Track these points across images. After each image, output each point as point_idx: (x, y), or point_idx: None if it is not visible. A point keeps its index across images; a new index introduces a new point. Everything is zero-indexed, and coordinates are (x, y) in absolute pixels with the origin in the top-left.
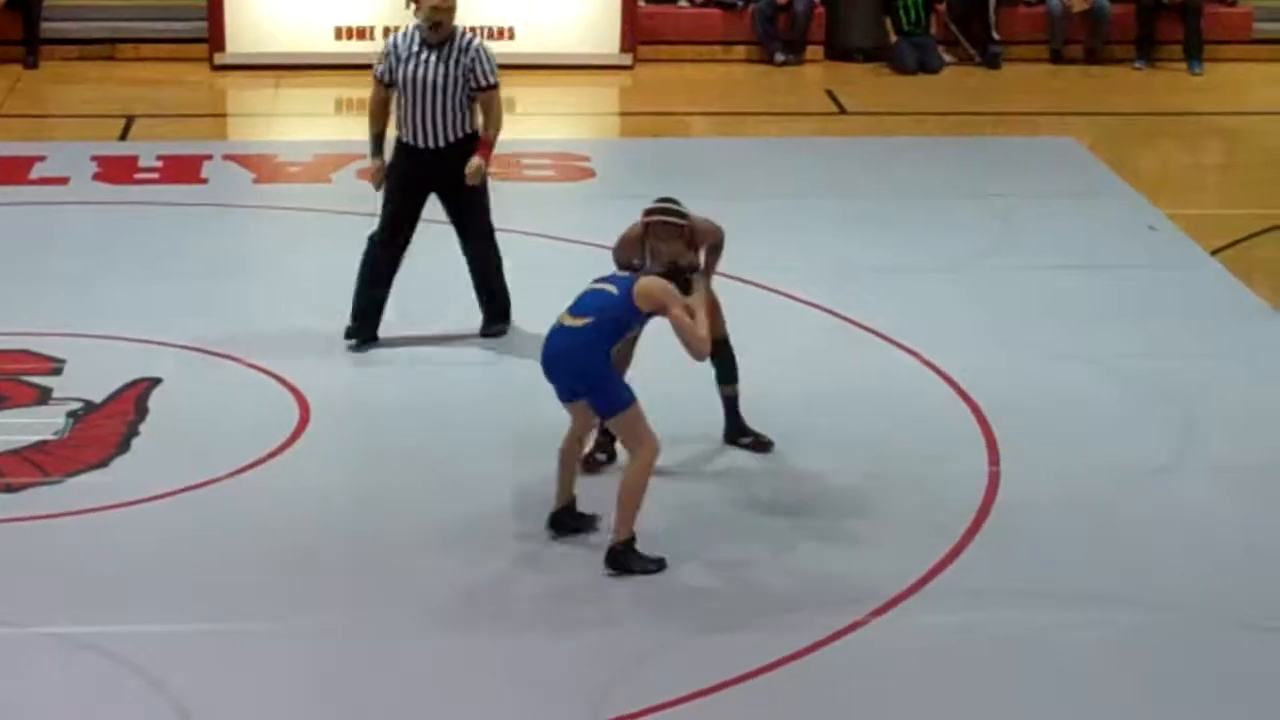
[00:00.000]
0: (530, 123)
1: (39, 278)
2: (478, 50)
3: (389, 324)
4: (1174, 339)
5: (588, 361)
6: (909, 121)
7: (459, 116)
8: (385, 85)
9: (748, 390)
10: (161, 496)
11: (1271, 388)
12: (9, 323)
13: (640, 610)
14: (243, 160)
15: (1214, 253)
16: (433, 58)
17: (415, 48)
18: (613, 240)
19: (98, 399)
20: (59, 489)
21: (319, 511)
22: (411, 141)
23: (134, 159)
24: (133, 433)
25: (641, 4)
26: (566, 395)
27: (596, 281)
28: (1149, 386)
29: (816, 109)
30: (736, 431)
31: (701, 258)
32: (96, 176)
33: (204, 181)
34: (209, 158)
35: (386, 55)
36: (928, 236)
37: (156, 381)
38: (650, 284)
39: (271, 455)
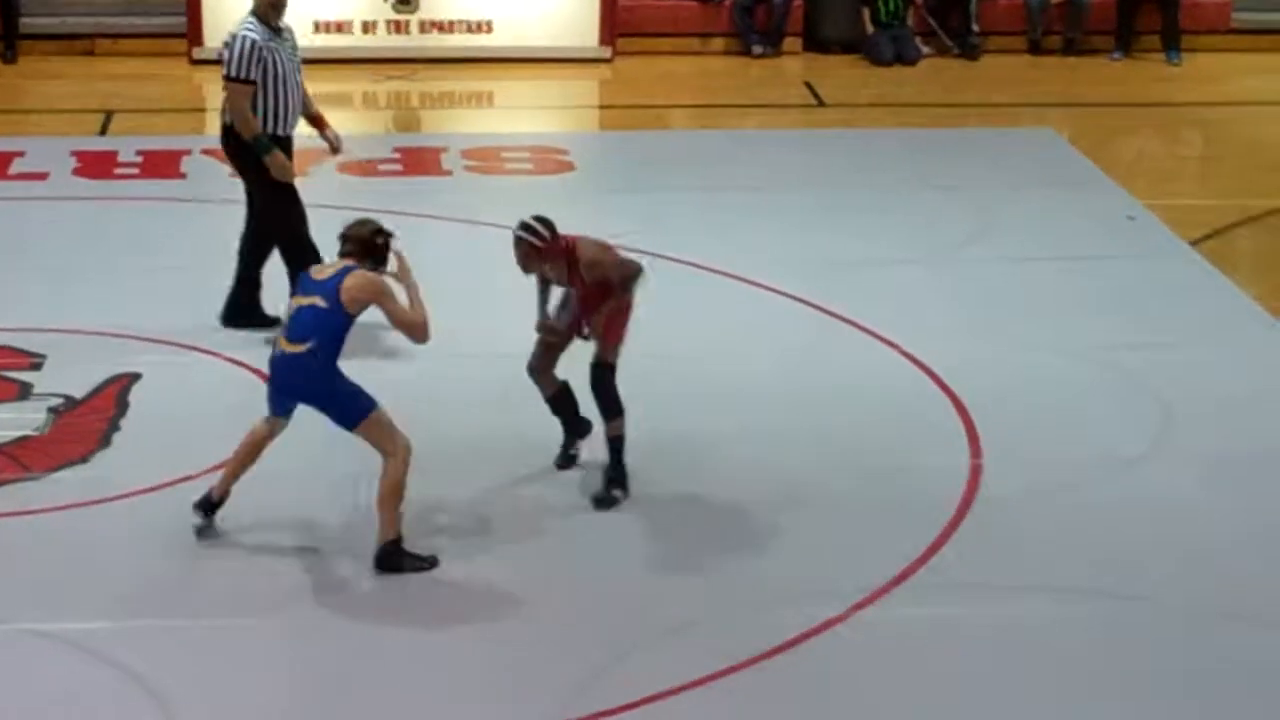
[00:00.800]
0: (509, 116)
1: (18, 273)
2: (291, 28)
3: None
4: (1153, 329)
5: (316, 385)
6: (887, 113)
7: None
8: (252, 84)
9: (730, 382)
10: (142, 491)
11: (1250, 378)
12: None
13: (616, 607)
14: (221, 155)
15: (1193, 243)
16: (286, 44)
17: (270, 38)
18: (592, 232)
19: (78, 394)
20: (40, 484)
21: (298, 506)
22: (284, 131)
23: (113, 154)
24: (113, 428)
25: None
26: (285, 411)
27: (302, 295)
28: (1129, 377)
29: (795, 101)
30: (608, 481)
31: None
32: (76, 171)
33: (183, 176)
34: (188, 152)
35: (254, 51)
36: (906, 229)
37: (136, 377)
38: (354, 286)
39: None
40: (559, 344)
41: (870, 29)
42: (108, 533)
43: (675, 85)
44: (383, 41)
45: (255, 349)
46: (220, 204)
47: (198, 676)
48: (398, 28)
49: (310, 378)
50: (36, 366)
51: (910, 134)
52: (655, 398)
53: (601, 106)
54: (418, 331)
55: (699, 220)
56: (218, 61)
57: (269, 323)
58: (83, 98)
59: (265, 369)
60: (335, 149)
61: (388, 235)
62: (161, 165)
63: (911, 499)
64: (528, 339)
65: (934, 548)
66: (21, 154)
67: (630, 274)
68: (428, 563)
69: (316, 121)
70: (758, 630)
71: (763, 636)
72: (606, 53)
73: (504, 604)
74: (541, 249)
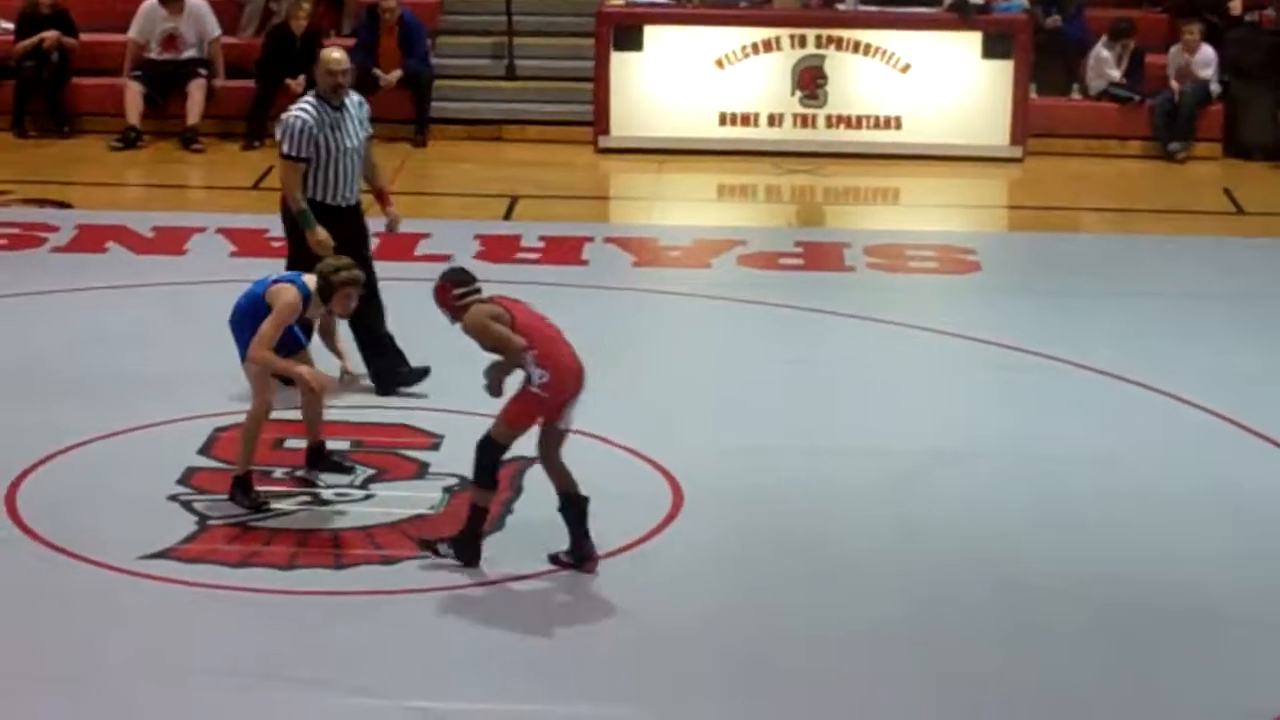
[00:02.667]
0: (915, 214)
1: (421, 353)
2: (363, 102)
3: (759, 413)
4: None
5: (236, 324)
6: None
7: (362, 170)
8: (302, 161)
9: (1133, 491)
10: (533, 575)
11: None
12: (391, 396)
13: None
14: (623, 243)
15: None
16: (346, 119)
17: (328, 115)
18: (996, 335)
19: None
20: (433, 563)
21: (685, 599)
22: (336, 201)
23: (516, 238)
24: (507, 510)
25: (1033, 96)
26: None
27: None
28: None
29: (1213, 208)
30: (450, 539)
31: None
32: (479, 255)
33: (584, 263)
34: (590, 239)
35: (305, 131)
36: None
37: (532, 460)
38: (277, 290)
39: (644, 539)
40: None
41: None
42: (496, 615)
43: (1087, 187)
44: (788, 135)
45: (648, 437)
46: (620, 291)
47: None
48: (804, 122)
49: (236, 315)
50: (435, 446)
51: None
52: (1051, 499)
53: (1010, 207)
54: (253, 353)
55: (1107, 327)
56: (630, 151)
57: (418, 376)
58: (489, 182)
59: (659, 459)
60: (391, 228)
61: (335, 283)
62: (563, 251)
63: None
64: (915, 438)
65: None
66: (428, 235)
67: (504, 349)
68: (251, 504)
69: (380, 196)
70: None
71: None
72: (1017, 152)
73: (892, 706)
74: (436, 294)
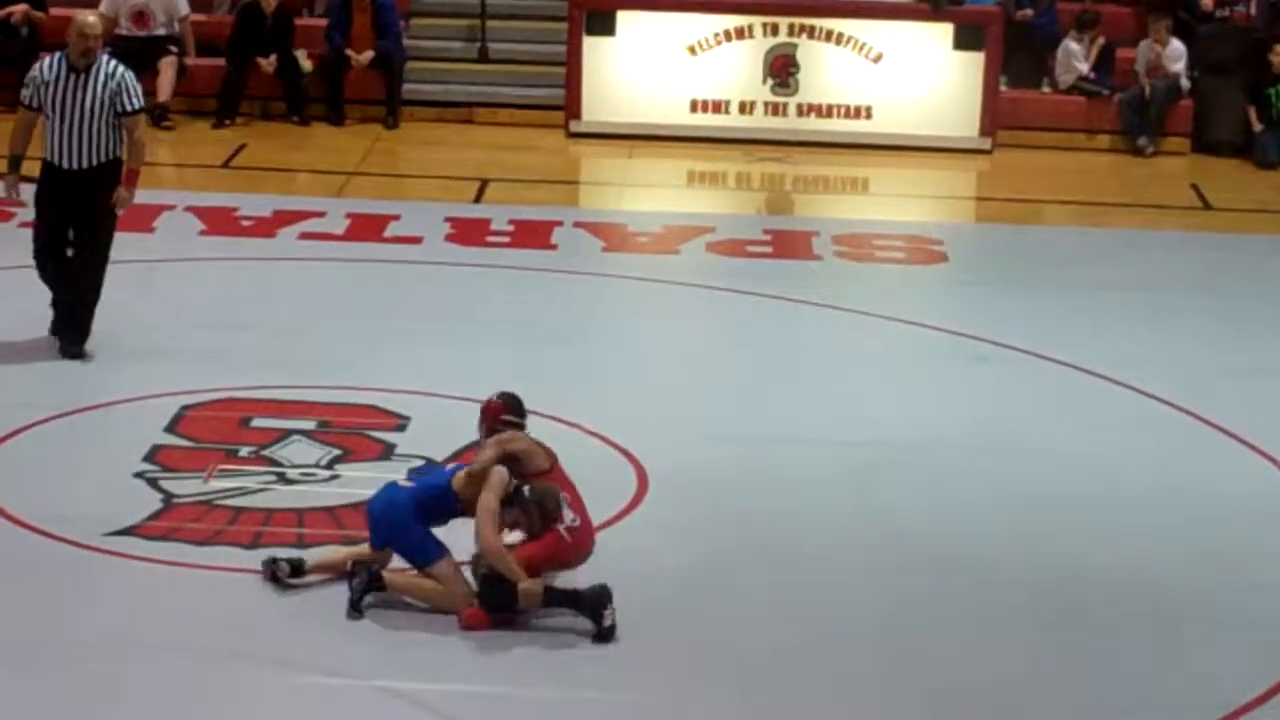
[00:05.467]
0: (884, 203)
1: (389, 334)
2: (122, 76)
3: (724, 400)
4: None
5: (391, 522)
6: (1275, 220)
7: (104, 141)
8: (30, 110)
9: (1089, 483)
10: None
11: None
12: (358, 377)
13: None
14: (593, 228)
15: None
16: (79, 83)
17: (61, 73)
18: (962, 326)
19: (439, 457)
20: None
21: (652, 582)
22: (58, 163)
23: (486, 222)
24: None
25: (1003, 89)
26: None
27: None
28: None
29: (1180, 203)
30: None
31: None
32: (449, 238)
33: (554, 247)
34: (559, 224)
35: (32, 83)
36: None
37: None
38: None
39: (608, 524)
40: None
41: (1258, 127)
42: None
43: (1055, 180)
44: (759, 123)
45: (614, 423)
46: (588, 276)
47: None
48: (775, 110)
49: (398, 512)
50: (400, 428)
51: None
52: (1015, 493)
53: (978, 198)
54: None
55: (1072, 319)
56: (601, 136)
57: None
58: (459, 165)
59: (626, 445)
60: (113, 205)
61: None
62: (533, 235)
63: (1273, 620)
64: (879, 428)
65: None
66: (397, 217)
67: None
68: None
69: (128, 176)
70: None
71: None
72: (986, 144)
73: (865, 682)
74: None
